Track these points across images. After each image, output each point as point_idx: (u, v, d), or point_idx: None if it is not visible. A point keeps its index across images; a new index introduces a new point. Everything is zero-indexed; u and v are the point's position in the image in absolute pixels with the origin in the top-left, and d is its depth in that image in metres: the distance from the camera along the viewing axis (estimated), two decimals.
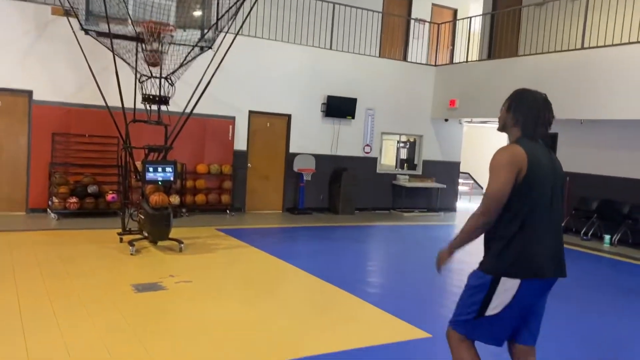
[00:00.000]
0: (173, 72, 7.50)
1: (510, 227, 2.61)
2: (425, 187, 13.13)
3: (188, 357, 3.91)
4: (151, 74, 7.36)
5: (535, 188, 2.59)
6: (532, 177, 2.58)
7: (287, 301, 5.67)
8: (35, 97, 9.16)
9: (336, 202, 12.03)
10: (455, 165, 14.08)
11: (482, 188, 18.42)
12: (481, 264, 2.74)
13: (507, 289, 2.59)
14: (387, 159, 13.80)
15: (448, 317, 5.44)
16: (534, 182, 2.59)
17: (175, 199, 9.77)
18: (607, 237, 10.09)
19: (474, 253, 8.52)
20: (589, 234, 10.42)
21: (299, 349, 4.19)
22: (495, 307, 2.61)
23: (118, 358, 3.78)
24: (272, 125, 11.53)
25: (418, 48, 14.05)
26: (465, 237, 2.76)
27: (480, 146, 17.55)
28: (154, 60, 7.12)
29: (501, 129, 2.87)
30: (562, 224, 2.73)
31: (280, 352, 4.12)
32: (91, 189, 9.28)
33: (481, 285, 2.66)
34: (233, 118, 10.84)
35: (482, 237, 2.79)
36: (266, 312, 5.13)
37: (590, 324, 5.43)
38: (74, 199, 9.09)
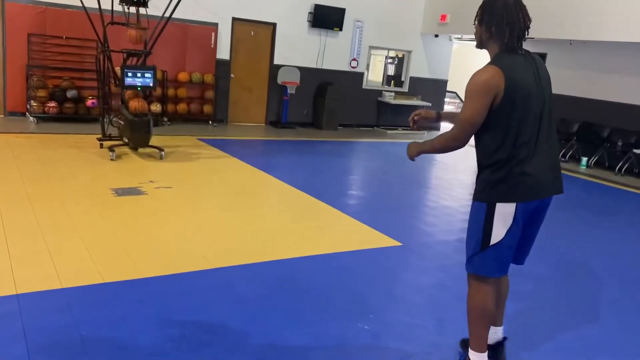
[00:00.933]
0: None
1: (499, 151, 2.50)
2: (410, 104, 13.06)
3: (166, 258, 4.04)
4: None
5: (518, 108, 2.44)
6: (513, 97, 2.43)
7: (266, 209, 5.80)
8: None
9: (320, 117, 11.98)
10: (442, 83, 13.96)
11: None
12: (475, 193, 2.66)
13: (505, 213, 2.53)
14: (374, 75, 13.62)
15: (419, 227, 5.63)
16: (516, 102, 2.43)
17: (156, 107, 9.66)
18: (584, 160, 10.28)
19: (457, 171, 8.56)
20: (567, 156, 10.59)
21: (273, 253, 4.34)
22: (497, 235, 2.55)
23: (98, 259, 3.89)
24: (257, 35, 11.20)
25: None
26: (435, 150, 2.78)
27: (469, 65, 17.34)
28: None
29: (479, 45, 2.68)
30: (556, 141, 2.64)
31: (256, 254, 4.26)
32: (70, 93, 9.10)
33: (478, 216, 2.60)
34: (216, 25, 10.50)
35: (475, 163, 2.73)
36: (244, 218, 5.25)
37: (554, 241, 5.66)
38: (53, 103, 8.93)
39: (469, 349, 2.74)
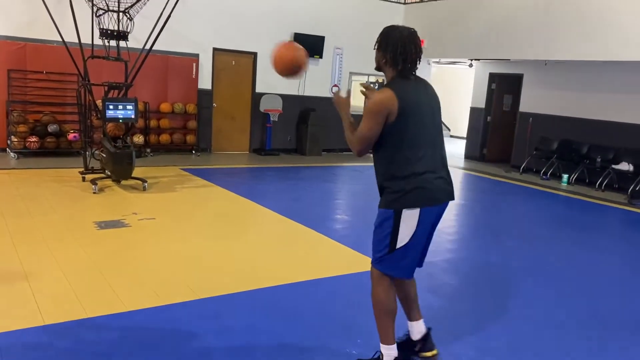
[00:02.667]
0: (131, 6, 7.22)
1: (399, 166, 2.76)
2: None
3: (150, 290, 3.99)
4: (108, 8, 7.08)
5: (411, 126, 2.72)
6: (405, 117, 2.70)
7: (250, 237, 5.77)
8: None
9: (303, 143, 12.05)
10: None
11: (449, 130, 18.63)
12: (382, 203, 2.87)
13: (410, 217, 2.75)
14: (356, 100, 13.75)
15: None
16: (408, 121, 2.71)
17: (139, 139, 9.65)
18: (565, 177, 10.43)
19: None
20: (549, 173, 10.74)
21: (259, 281, 4.31)
22: (403, 238, 2.77)
23: (82, 294, 3.83)
24: (238, 64, 11.31)
25: None
26: (346, 130, 2.87)
27: (449, 87, 17.63)
28: None
29: (377, 68, 2.96)
30: (446, 152, 2.97)
31: (241, 283, 4.23)
32: (52, 127, 9.07)
33: (387, 221, 2.80)
34: (197, 55, 10.58)
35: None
36: (229, 247, 5.22)
37: (537, 255, 5.70)
38: (34, 138, 8.89)
39: (380, 344, 2.96)
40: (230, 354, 3.13)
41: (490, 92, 12.83)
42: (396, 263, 2.84)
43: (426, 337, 3.14)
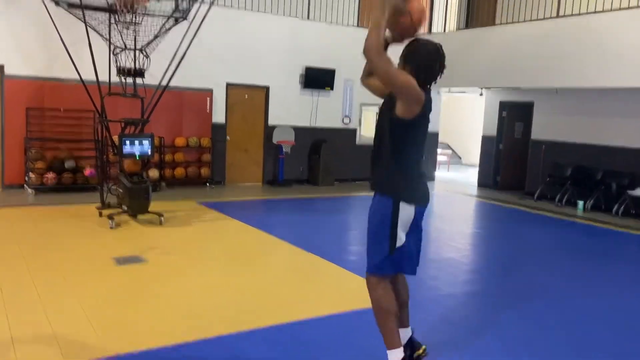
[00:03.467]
0: (148, 44, 7.39)
1: (406, 157, 2.98)
2: None
3: (170, 327, 3.98)
4: (125, 46, 7.25)
5: (422, 128, 2.97)
6: (420, 121, 2.90)
7: (269, 270, 5.75)
8: (7, 71, 8.98)
9: (316, 173, 12.10)
10: (434, 135, 14.18)
11: (460, 158, 18.63)
12: (379, 186, 3.05)
13: (407, 212, 2.96)
14: (366, 130, 13.83)
15: (425, 283, 5.60)
16: (422, 123, 2.93)
17: (154, 173, 9.74)
18: (580, 203, 10.35)
19: (455, 222, 8.54)
20: (563, 200, 10.67)
21: (280, 316, 4.28)
22: (401, 235, 2.96)
23: (101, 331, 3.84)
24: (250, 98, 11.47)
25: None
26: (372, 30, 2.72)
27: (458, 116, 17.71)
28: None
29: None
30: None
31: (262, 319, 4.20)
32: (68, 163, 9.20)
33: (385, 213, 2.95)
34: (210, 90, 10.76)
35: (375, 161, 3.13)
36: (247, 281, 5.21)
37: (557, 285, 5.63)
38: (51, 174, 9.01)
39: (387, 350, 3.07)
40: None
41: (501, 120, 12.86)
42: (398, 262, 3.02)
43: (412, 339, 3.29)
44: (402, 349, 3.06)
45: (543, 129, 11.64)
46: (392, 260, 3.00)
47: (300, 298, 4.82)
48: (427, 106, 2.91)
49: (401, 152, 2.96)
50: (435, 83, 2.97)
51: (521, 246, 7.58)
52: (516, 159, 12.57)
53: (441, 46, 2.95)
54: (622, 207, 9.76)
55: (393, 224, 2.95)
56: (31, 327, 3.82)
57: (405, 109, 2.85)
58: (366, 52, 2.69)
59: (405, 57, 2.96)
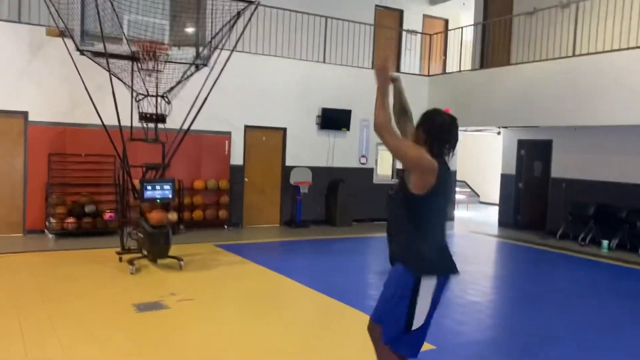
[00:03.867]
0: (170, 90, 7.51)
1: (423, 233, 2.94)
2: None
3: None
4: (147, 93, 7.38)
5: (440, 198, 2.94)
6: (440, 188, 2.88)
7: (291, 317, 5.65)
8: (31, 117, 9.16)
9: (333, 214, 12.04)
10: (452, 174, 14.11)
11: (478, 196, 18.48)
12: (401, 260, 2.97)
13: (428, 286, 2.88)
14: (383, 169, 13.82)
15: (451, 327, 5.45)
16: (440, 192, 2.90)
17: (173, 216, 9.74)
18: (604, 243, 10.13)
19: (479, 263, 8.43)
20: (587, 239, 10.46)
21: None
22: (419, 316, 2.89)
23: None
24: (268, 139, 11.55)
25: (411, 59, 14.15)
26: (377, 100, 2.91)
27: (476, 154, 17.65)
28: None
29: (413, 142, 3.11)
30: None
31: None
32: (88, 208, 9.25)
33: (405, 288, 2.89)
34: (229, 133, 10.86)
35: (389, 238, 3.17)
36: (270, 328, 5.12)
37: (594, 330, 5.44)
38: (71, 219, 9.06)
39: None
40: None
41: (519, 158, 12.78)
42: (410, 343, 2.97)
43: None
44: None
45: (563, 167, 11.53)
46: (408, 341, 2.96)
47: (324, 348, 4.70)
48: (442, 176, 2.89)
49: (421, 227, 2.94)
50: (450, 155, 3.01)
51: (547, 288, 7.38)
52: (536, 197, 12.42)
53: (456, 120, 3.04)
54: None
55: (412, 303, 2.88)
56: None
57: (419, 183, 2.87)
58: (376, 130, 2.87)
59: (420, 125, 3.02)
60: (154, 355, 4.28)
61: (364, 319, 5.47)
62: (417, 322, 2.89)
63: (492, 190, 15.67)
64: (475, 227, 13.05)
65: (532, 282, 7.76)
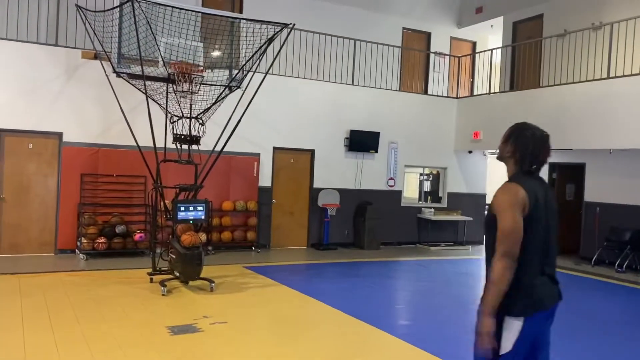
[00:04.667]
0: (204, 112, 7.56)
1: (519, 267, 2.62)
2: (451, 220, 12.97)
3: None
4: (182, 114, 7.44)
5: (534, 225, 2.63)
6: (532, 215, 2.62)
7: (324, 341, 5.53)
8: (65, 138, 9.30)
9: (361, 236, 11.92)
10: (481, 197, 13.93)
11: None
12: (481, 304, 2.71)
13: (513, 326, 2.60)
14: (409, 192, 13.71)
15: None
16: (532, 220, 2.62)
17: (202, 237, 9.74)
18: None
19: None
20: (624, 265, 10.15)
21: None
22: (506, 345, 2.60)
23: None
24: (296, 161, 11.54)
25: (438, 81, 14.10)
26: (497, 288, 2.58)
27: (505, 178, 17.38)
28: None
29: (499, 158, 2.94)
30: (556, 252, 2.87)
31: None
32: (119, 228, 9.30)
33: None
34: (258, 155, 10.89)
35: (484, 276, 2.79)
36: (304, 354, 5.02)
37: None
38: (102, 239, 9.10)
39: None
40: None
41: (551, 181, 12.54)
42: None
43: None
44: None
45: (596, 190, 11.27)
46: None
47: None
48: (533, 202, 2.62)
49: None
50: (538, 170, 2.79)
51: (587, 316, 7.13)
52: (569, 221, 12.12)
53: (548, 135, 2.83)
54: None
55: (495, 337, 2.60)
56: None
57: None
58: (511, 261, 2.59)
59: (509, 138, 2.83)
60: None
61: (398, 343, 5.37)
62: (504, 349, 2.60)
63: None
64: None
65: (570, 310, 7.48)
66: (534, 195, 2.65)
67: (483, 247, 11.43)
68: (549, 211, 2.74)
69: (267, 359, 4.79)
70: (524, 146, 2.75)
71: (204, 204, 7.15)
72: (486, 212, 2.79)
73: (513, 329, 2.60)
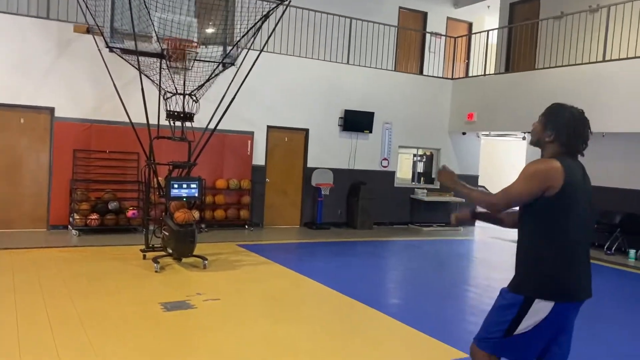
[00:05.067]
0: (198, 89, 7.50)
1: (546, 246, 2.57)
2: (443, 201, 13.02)
3: None
4: (176, 91, 7.37)
5: (573, 207, 2.54)
6: (570, 195, 2.53)
7: (316, 320, 5.58)
8: (57, 113, 9.21)
9: (354, 216, 11.96)
10: (474, 178, 13.98)
11: None
12: (513, 283, 2.68)
13: (539, 310, 2.53)
14: (402, 173, 13.73)
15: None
16: (571, 200, 2.54)
17: (195, 215, 9.74)
18: (631, 252, 9.94)
19: (503, 270, 8.32)
20: (613, 248, 10.27)
21: None
22: (525, 327, 2.55)
23: None
24: (290, 140, 11.51)
25: (434, 62, 14.04)
26: (470, 197, 2.83)
27: (498, 160, 17.46)
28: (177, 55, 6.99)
29: (534, 143, 2.83)
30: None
31: None
32: (112, 205, 9.27)
33: (511, 306, 2.60)
34: (252, 133, 10.84)
35: (514, 254, 2.77)
36: (297, 330, 5.06)
37: (621, 342, 5.31)
38: (94, 216, 9.08)
39: None
40: None
41: None
42: (508, 348, 2.64)
43: None
44: None
45: (589, 174, 11.31)
46: (503, 345, 2.63)
47: (351, 354, 4.62)
48: (570, 184, 2.55)
49: (541, 236, 2.59)
50: (582, 151, 2.73)
51: None
52: None
53: (584, 113, 2.75)
54: None
55: (517, 318, 2.57)
56: None
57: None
58: (493, 209, 2.78)
59: (547, 120, 2.74)
60: (184, 355, 4.25)
61: (391, 322, 5.43)
62: (521, 330, 2.56)
63: None
64: (497, 233, 12.88)
65: None
66: (574, 175, 2.58)
67: (474, 228, 11.51)
68: (587, 195, 2.68)
69: (260, 336, 4.82)
70: (565, 127, 2.67)
71: (197, 182, 7.13)
72: None
73: (540, 310, 2.53)
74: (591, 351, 4.90)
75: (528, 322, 2.55)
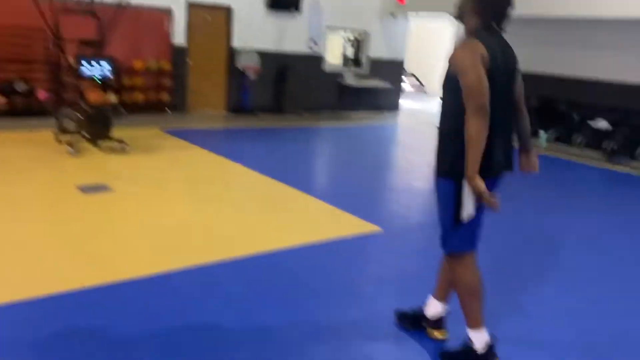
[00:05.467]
0: None
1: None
2: (371, 87, 13.03)
3: (144, 258, 3.87)
4: None
5: (494, 86, 2.47)
6: (492, 74, 2.47)
7: (239, 199, 5.64)
8: None
9: (282, 102, 11.80)
10: (399, 64, 13.98)
11: (423, 85, 18.53)
12: (439, 170, 2.66)
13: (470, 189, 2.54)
14: (333, 57, 13.50)
15: (398, 212, 5.61)
16: (493, 80, 2.47)
17: (112, 97, 9.26)
18: (542, 134, 10.50)
19: (424, 153, 8.54)
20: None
21: (253, 245, 4.22)
22: (468, 210, 2.57)
23: (73, 262, 3.69)
24: (213, 19, 10.87)
25: None
26: (476, 147, 2.44)
27: (423, 44, 17.45)
28: None
29: (458, 16, 2.72)
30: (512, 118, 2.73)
31: (235, 249, 4.13)
32: (19, 86, 8.60)
33: (447, 195, 2.62)
34: (169, 9, 10.10)
35: (436, 138, 2.70)
36: (218, 211, 5.10)
37: (527, 219, 5.76)
38: (1, 98, 8.42)
39: (468, 329, 2.78)
40: (237, 318, 3.06)
41: None
42: (460, 237, 2.67)
43: (439, 320, 3.03)
44: (484, 330, 2.75)
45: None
46: (463, 236, 2.66)
47: (274, 228, 4.75)
48: (492, 62, 2.47)
49: (461, 114, 2.48)
50: (502, 25, 2.61)
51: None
52: None
53: None
54: (583, 140, 9.98)
55: (457, 203, 2.57)
56: None
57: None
58: (485, 123, 2.44)
59: None
60: (104, 237, 4.21)
61: (311, 200, 5.57)
62: (466, 215, 2.57)
63: (438, 82, 15.71)
64: (421, 117, 13.22)
65: None
66: (495, 53, 2.51)
67: (398, 112, 11.68)
68: (508, 71, 2.61)
69: (183, 218, 4.82)
70: (489, 2, 2.58)
71: (108, 61, 6.67)
72: (445, 73, 2.60)
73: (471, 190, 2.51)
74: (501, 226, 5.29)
75: (468, 203, 2.56)
